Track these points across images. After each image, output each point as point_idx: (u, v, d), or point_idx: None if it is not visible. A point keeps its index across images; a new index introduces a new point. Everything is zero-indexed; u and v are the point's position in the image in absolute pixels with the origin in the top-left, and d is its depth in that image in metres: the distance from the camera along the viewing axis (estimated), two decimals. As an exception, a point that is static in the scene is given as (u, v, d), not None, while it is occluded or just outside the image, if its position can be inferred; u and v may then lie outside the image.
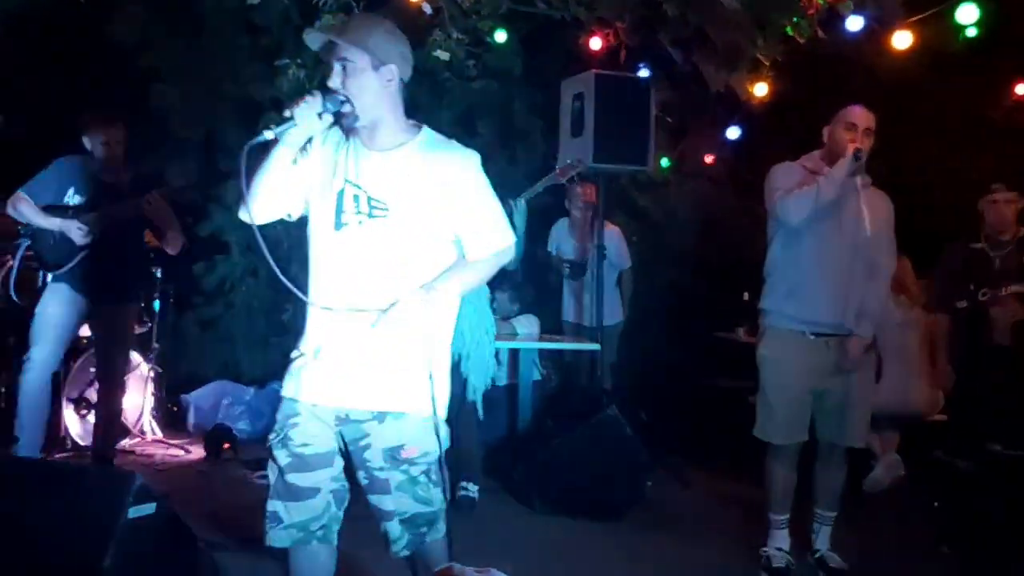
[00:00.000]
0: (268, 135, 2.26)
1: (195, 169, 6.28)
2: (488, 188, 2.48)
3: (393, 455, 2.39)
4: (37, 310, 4.46)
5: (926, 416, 5.11)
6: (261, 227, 2.36)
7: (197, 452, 5.49)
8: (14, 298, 4.75)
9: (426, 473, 2.43)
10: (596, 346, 5.41)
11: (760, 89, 5.38)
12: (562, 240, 6.21)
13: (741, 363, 4.74)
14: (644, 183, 7.07)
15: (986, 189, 4.81)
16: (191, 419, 6.03)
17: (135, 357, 5.40)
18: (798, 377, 3.70)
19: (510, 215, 4.50)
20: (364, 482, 2.46)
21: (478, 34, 6.36)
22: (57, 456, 4.94)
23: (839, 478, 3.85)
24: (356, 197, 2.36)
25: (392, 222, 2.34)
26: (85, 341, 5.10)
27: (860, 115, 3.65)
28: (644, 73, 5.76)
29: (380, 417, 2.39)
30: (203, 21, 6.07)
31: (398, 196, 2.35)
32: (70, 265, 4.34)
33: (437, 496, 2.46)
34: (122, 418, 4.92)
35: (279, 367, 2.60)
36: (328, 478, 2.44)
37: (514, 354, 5.72)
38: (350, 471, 2.51)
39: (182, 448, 5.54)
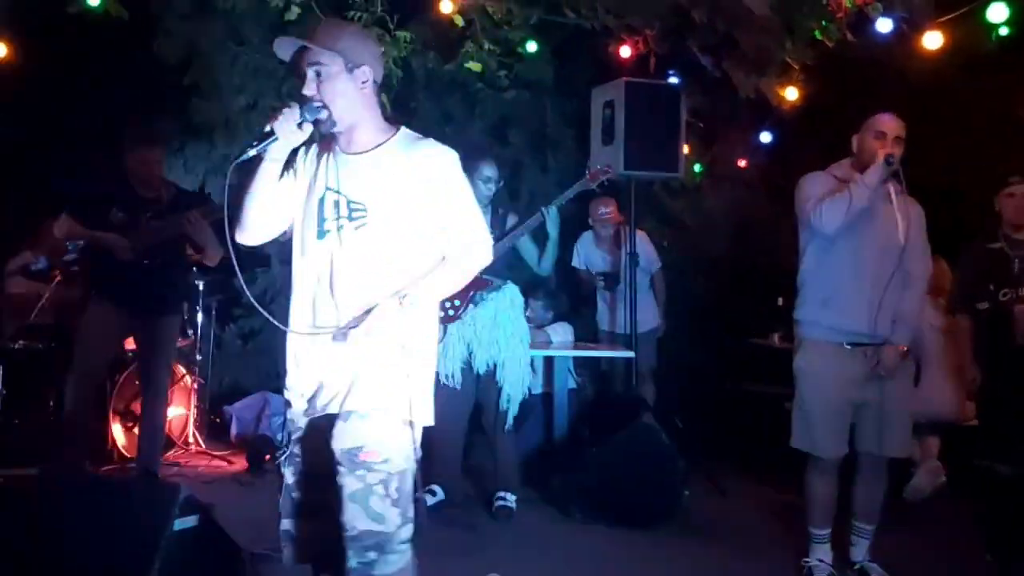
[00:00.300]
0: (251, 152, 2.25)
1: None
2: (468, 187, 2.44)
3: (351, 457, 2.24)
4: (81, 325, 4.57)
5: (966, 421, 5.04)
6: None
7: (240, 463, 5.57)
8: (61, 314, 4.86)
9: (384, 484, 2.24)
10: (631, 353, 5.42)
11: (790, 93, 5.37)
12: (590, 253, 6.22)
13: (776, 369, 4.73)
14: (676, 189, 7.07)
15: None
16: (233, 430, 6.12)
17: (178, 369, 5.51)
18: (836, 389, 3.65)
19: (542, 224, 4.55)
20: (336, 487, 2.29)
21: (509, 45, 6.41)
22: (103, 469, 5.05)
23: (879, 491, 3.79)
24: (336, 203, 2.33)
25: (372, 223, 2.30)
26: (130, 355, 5.21)
27: (889, 123, 3.62)
28: (674, 80, 5.77)
29: (345, 416, 2.28)
30: (243, 37, 6.17)
31: (376, 196, 2.31)
32: (115, 280, 4.44)
33: (392, 516, 2.25)
34: (166, 430, 5.02)
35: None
36: (333, 493, 2.31)
37: (548, 362, 5.74)
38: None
39: (225, 459, 5.63)
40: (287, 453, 2.41)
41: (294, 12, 5.03)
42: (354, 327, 2.25)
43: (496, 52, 6.41)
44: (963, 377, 4.86)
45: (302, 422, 2.40)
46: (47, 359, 5.41)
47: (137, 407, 5.11)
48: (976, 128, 6.37)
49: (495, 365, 4.62)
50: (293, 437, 2.41)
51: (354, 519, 2.22)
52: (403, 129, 2.41)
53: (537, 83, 6.83)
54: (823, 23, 4.65)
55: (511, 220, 4.68)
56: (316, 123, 2.30)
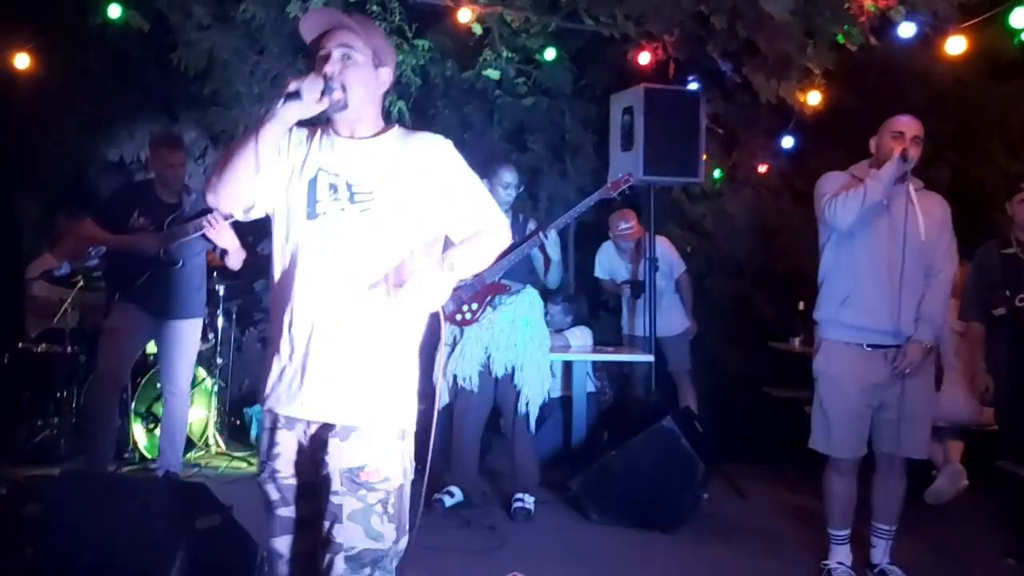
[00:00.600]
0: (278, 106, 2.12)
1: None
2: (471, 171, 2.39)
3: (351, 477, 2.16)
4: (104, 328, 4.62)
5: (989, 424, 5.01)
6: None
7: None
8: (84, 317, 4.91)
9: (383, 503, 2.18)
10: (650, 357, 5.42)
11: (812, 98, 5.35)
12: (612, 263, 6.22)
13: (797, 373, 4.71)
14: (697, 194, 7.07)
15: None
16: (253, 432, 6.16)
17: (199, 372, 5.55)
18: (855, 391, 3.65)
19: (541, 247, 4.56)
20: (323, 507, 2.20)
21: (528, 52, 6.44)
22: (125, 469, 5.09)
23: (899, 492, 3.77)
24: (333, 185, 2.23)
25: (377, 207, 2.22)
26: (151, 357, 5.26)
27: (907, 123, 3.62)
28: (694, 86, 5.78)
29: (343, 433, 2.18)
30: (262, 46, 6.23)
31: (381, 181, 2.24)
32: (137, 284, 4.49)
33: (389, 533, 2.19)
34: (187, 432, 5.05)
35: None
36: (319, 508, 2.21)
37: (567, 366, 5.75)
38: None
39: (245, 460, 5.66)
40: (269, 471, 2.26)
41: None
42: (384, 284, 2.16)
43: (514, 59, 6.45)
44: (976, 384, 4.84)
45: (283, 436, 2.25)
46: (69, 362, 5.48)
47: (158, 409, 5.16)
48: (999, 132, 6.34)
49: (513, 368, 4.63)
50: (272, 452, 2.25)
51: (353, 538, 2.15)
52: (396, 125, 2.37)
53: (556, 90, 6.84)
54: (845, 27, 4.63)
55: (531, 226, 4.70)
56: (330, 102, 2.19)
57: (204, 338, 5.36)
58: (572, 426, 5.61)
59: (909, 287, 3.56)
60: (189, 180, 5.22)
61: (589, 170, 6.99)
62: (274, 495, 2.27)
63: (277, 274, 2.27)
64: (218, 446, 5.85)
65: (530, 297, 4.71)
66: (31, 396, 5.48)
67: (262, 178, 2.19)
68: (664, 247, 6.09)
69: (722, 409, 6.14)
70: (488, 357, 4.63)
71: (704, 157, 5.67)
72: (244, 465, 5.60)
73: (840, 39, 4.74)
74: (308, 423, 2.23)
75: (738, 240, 6.99)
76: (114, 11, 5.51)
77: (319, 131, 2.31)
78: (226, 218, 4.42)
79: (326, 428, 2.19)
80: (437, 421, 5.68)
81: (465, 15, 5.37)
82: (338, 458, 2.17)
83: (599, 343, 6.07)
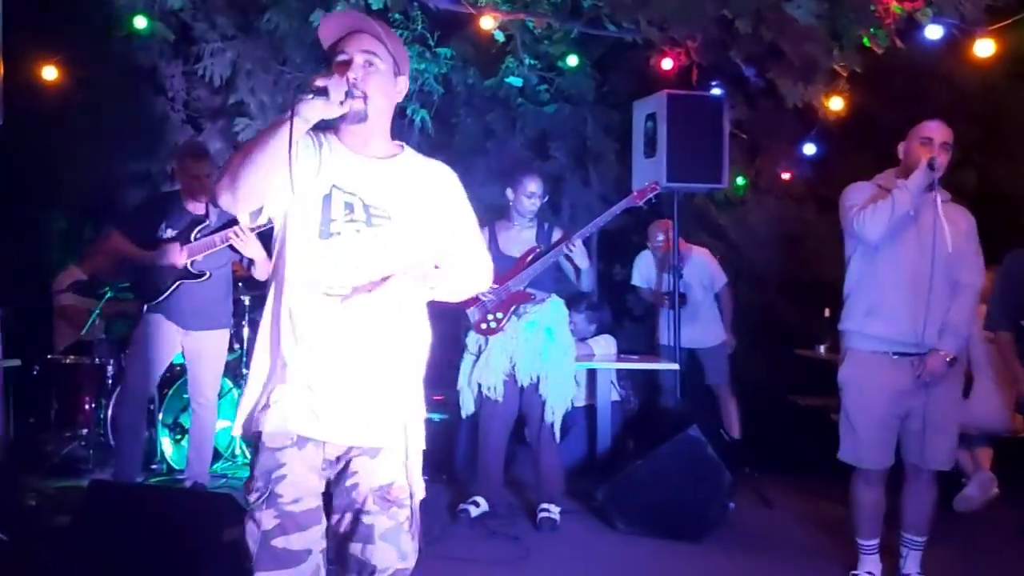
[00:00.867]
0: (308, 97, 2.01)
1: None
2: (467, 201, 2.38)
3: (384, 495, 2.14)
4: (132, 340, 4.65)
5: (1019, 432, 4.95)
6: None
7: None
8: (111, 330, 4.96)
9: (409, 520, 2.17)
10: (675, 366, 5.38)
11: (835, 103, 5.32)
12: (650, 272, 6.15)
13: (822, 381, 4.67)
14: (721, 201, 7.04)
15: None
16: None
17: (226, 383, 5.57)
18: (882, 400, 3.61)
19: (567, 257, 4.54)
20: (345, 528, 2.18)
21: (550, 59, 6.45)
22: (153, 480, 5.12)
23: (928, 501, 3.73)
24: (349, 204, 2.15)
25: (394, 230, 2.18)
26: (179, 368, 5.29)
27: (936, 129, 3.58)
28: (717, 91, 5.75)
29: (372, 452, 2.16)
30: (286, 56, 6.26)
31: (399, 206, 2.19)
32: (164, 296, 4.52)
33: (413, 551, 2.18)
34: (214, 443, 5.08)
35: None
36: (320, 535, 2.16)
37: (591, 375, 5.73)
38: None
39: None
40: (267, 494, 2.11)
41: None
42: (365, 291, 2.12)
43: (537, 66, 6.45)
44: (1013, 391, 4.76)
45: (291, 457, 2.12)
46: (98, 374, 5.52)
47: (186, 420, 5.19)
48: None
49: (539, 378, 4.62)
50: (274, 476, 2.11)
51: (387, 559, 2.13)
52: (407, 146, 2.33)
53: (578, 97, 6.84)
54: (871, 30, 4.59)
55: (556, 234, 4.69)
56: (350, 110, 2.11)
57: (231, 349, 5.39)
58: (597, 435, 5.58)
59: (936, 298, 3.53)
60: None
61: (612, 177, 6.97)
62: (269, 523, 2.11)
63: (283, 291, 2.17)
64: (245, 457, 5.86)
65: (555, 306, 4.70)
66: (60, 408, 5.54)
67: (281, 178, 2.06)
68: (704, 259, 6.04)
69: (747, 417, 6.11)
70: (513, 366, 4.62)
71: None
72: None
73: (866, 42, 4.71)
74: (324, 444, 2.15)
75: (762, 247, 6.95)
76: (140, 22, 5.59)
77: (324, 141, 2.21)
78: (252, 229, 4.45)
79: (348, 448, 2.16)
80: (462, 431, 5.72)
81: (487, 22, 5.38)
82: (369, 477, 2.14)
83: (623, 351, 6.04)
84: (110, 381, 5.49)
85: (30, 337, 6.15)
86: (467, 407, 4.76)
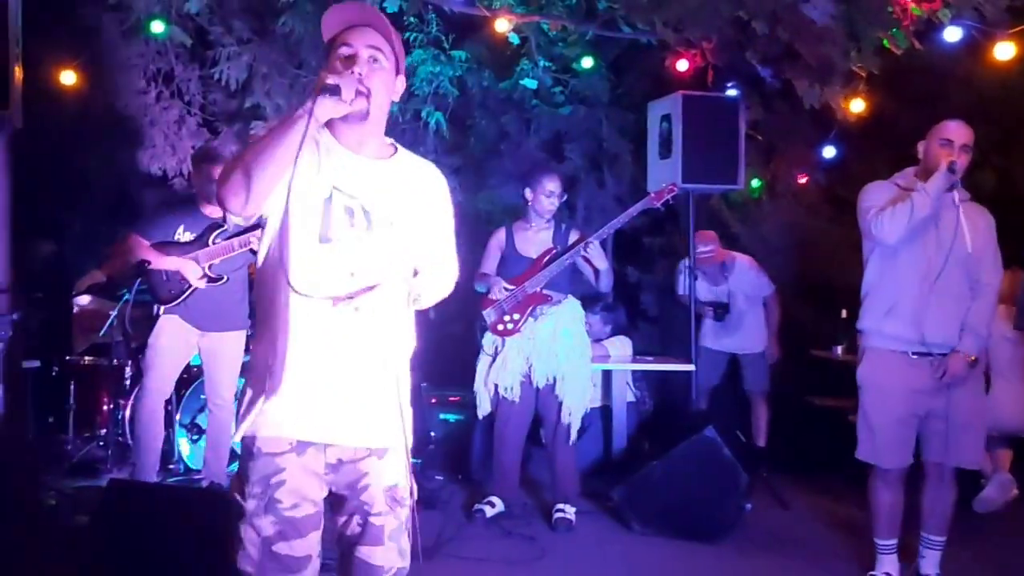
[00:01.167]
0: (325, 96, 1.98)
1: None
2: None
3: (392, 495, 2.15)
4: (150, 341, 4.67)
5: (1039, 433, 4.92)
6: None
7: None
8: (129, 331, 5.00)
9: (408, 519, 2.19)
10: (691, 367, 5.36)
11: (855, 105, 5.29)
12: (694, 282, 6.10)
13: (840, 381, 4.66)
14: (736, 202, 7.02)
15: None
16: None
17: (242, 383, 5.59)
18: (901, 400, 3.60)
19: (585, 259, 4.52)
20: (353, 531, 2.17)
21: (565, 61, 6.45)
22: (170, 480, 5.14)
23: (948, 501, 3.71)
24: (349, 209, 2.10)
25: (394, 235, 2.14)
26: (196, 369, 5.31)
27: (956, 130, 3.56)
28: (732, 92, 5.74)
29: (380, 453, 2.14)
30: (301, 60, 6.29)
31: (400, 210, 2.16)
32: (182, 299, 4.54)
33: (408, 550, 2.19)
34: (231, 443, 5.10)
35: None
36: (317, 541, 2.13)
37: (607, 376, 5.73)
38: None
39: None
40: (265, 502, 2.07)
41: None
42: (353, 296, 2.07)
43: (552, 68, 6.46)
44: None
45: (290, 462, 2.08)
46: (116, 375, 5.56)
47: (203, 420, 5.21)
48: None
49: (555, 379, 4.62)
50: (273, 481, 2.07)
51: (391, 559, 2.14)
52: (397, 145, 2.28)
53: (593, 98, 6.84)
54: (889, 31, 4.57)
55: (573, 235, 4.69)
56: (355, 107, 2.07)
57: (247, 350, 5.41)
58: (612, 436, 5.58)
59: (954, 299, 3.53)
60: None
61: (627, 179, 6.97)
62: (269, 530, 2.06)
63: (279, 295, 2.09)
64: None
65: (571, 307, 4.70)
66: (78, 408, 5.58)
67: (286, 178, 2.00)
68: (748, 266, 5.96)
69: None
70: (529, 367, 4.62)
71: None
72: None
73: (884, 43, 4.68)
74: (325, 448, 2.11)
75: (777, 249, 6.91)
76: (157, 27, 5.62)
77: (319, 139, 2.13)
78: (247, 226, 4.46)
79: (354, 451, 2.13)
80: (478, 431, 5.73)
81: (502, 25, 5.38)
82: (379, 478, 2.14)
83: (638, 352, 6.03)
84: (128, 382, 5.53)
85: (49, 339, 6.21)
86: (483, 408, 4.77)
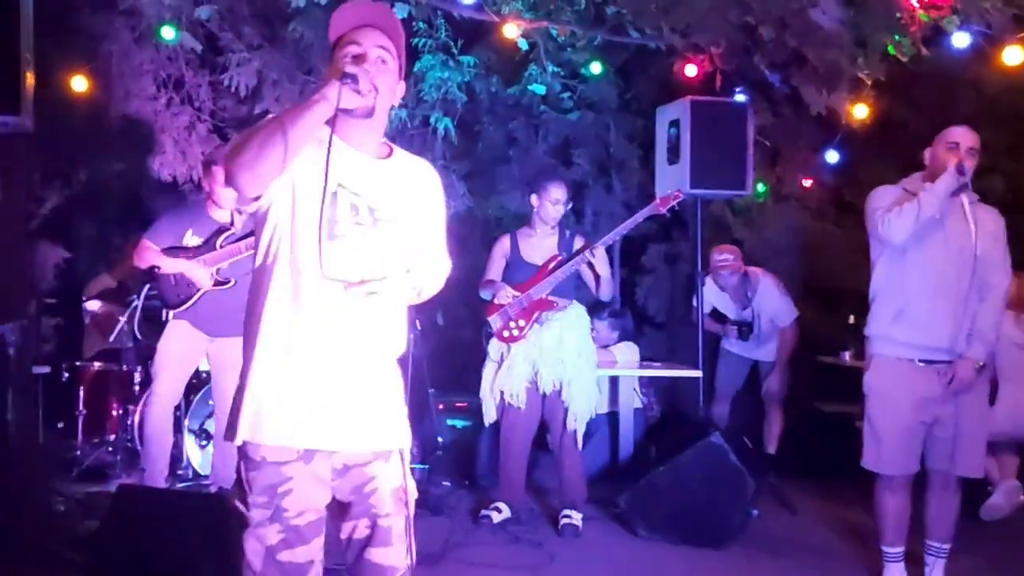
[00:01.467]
0: (347, 82, 2.01)
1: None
2: None
3: (399, 496, 2.16)
4: (159, 346, 4.69)
5: (1047, 440, 4.90)
6: None
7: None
8: (139, 337, 5.03)
9: (411, 520, 2.19)
10: (698, 373, 5.35)
11: (859, 111, 5.29)
12: (716, 300, 6.02)
13: (847, 387, 4.64)
14: (741, 207, 7.02)
15: None
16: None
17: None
18: (907, 407, 3.59)
19: (589, 265, 4.52)
20: (361, 535, 2.15)
21: (573, 66, 6.46)
22: (179, 486, 5.16)
23: (952, 508, 3.70)
24: (354, 206, 2.10)
25: (396, 232, 2.15)
26: (205, 375, 5.33)
27: (962, 134, 3.56)
28: (741, 97, 5.74)
29: (386, 456, 2.15)
30: (311, 65, 6.32)
31: (402, 207, 2.17)
32: (190, 303, 4.56)
33: (413, 549, 2.19)
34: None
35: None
36: (320, 546, 2.13)
37: (614, 382, 5.73)
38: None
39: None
40: (271, 511, 2.05)
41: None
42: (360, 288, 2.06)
43: (560, 74, 6.47)
44: None
45: (296, 471, 2.06)
46: (125, 380, 5.59)
47: (211, 426, 5.23)
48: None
49: (561, 384, 4.63)
50: (279, 490, 2.05)
51: (400, 560, 2.14)
52: (394, 145, 2.30)
53: (601, 104, 6.85)
54: (896, 37, 4.56)
55: (578, 242, 4.69)
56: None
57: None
58: (619, 442, 5.58)
59: (963, 302, 3.51)
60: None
61: (635, 184, 6.97)
62: (274, 539, 2.05)
63: (280, 294, 2.07)
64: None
65: (577, 313, 4.71)
66: (88, 413, 5.61)
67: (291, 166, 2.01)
68: (771, 287, 5.87)
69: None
70: (535, 373, 4.63)
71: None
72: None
73: (891, 49, 4.68)
74: (332, 454, 2.10)
75: (783, 254, 6.91)
76: (168, 33, 5.64)
77: (322, 136, 2.07)
78: (240, 213, 4.46)
79: (360, 455, 2.12)
80: (484, 437, 5.73)
81: (511, 30, 5.39)
82: (387, 480, 2.14)
83: (645, 358, 6.03)
84: (137, 387, 5.56)
85: (60, 344, 6.25)
86: (489, 415, 4.78)
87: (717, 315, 6.04)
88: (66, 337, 6.46)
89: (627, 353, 5.86)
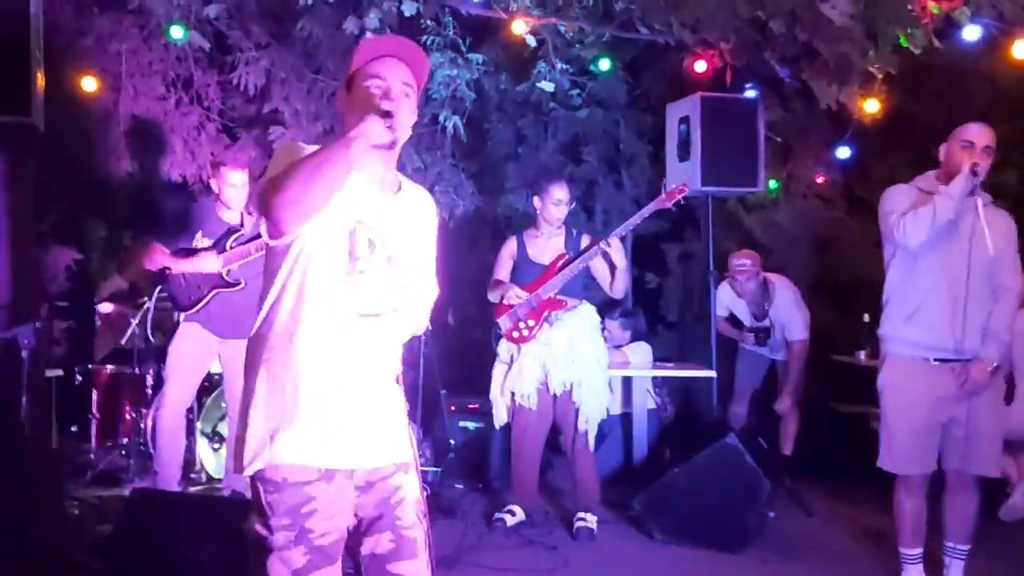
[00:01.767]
0: (387, 121, 2.03)
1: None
2: None
3: (420, 508, 2.19)
4: (170, 349, 4.69)
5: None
6: None
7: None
8: (151, 339, 5.03)
9: (428, 532, 2.21)
10: (712, 373, 5.32)
11: (871, 105, 5.24)
12: (732, 305, 5.96)
13: (862, 387, 4.60)
14: (753, 204, 6.97)
15: None
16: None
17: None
18: (922, 407, 3.56)
19: (605, 255, 4.49)
20: (385, 549, 2.15)
21: (582, 63, 6.42)
22: (192, 489, 5.16)
23: (970, 509, 3.68)
24: (372, 241, 2.13)
25: (406, 266, 2.18)
26: (217, 377, 5.33)
27: (978, 132, 3.52)
28: (751, 93, 5.70)
29: (406, 468, 2.18)
30: (319, 64, 6.30)
31: (410, 242, 2.21)
32: (201, 305, 4.55)
33: (431, 560, 2.21)
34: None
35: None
36: (339, 565, 2.14)
37: (627, 382, 5.70)
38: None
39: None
40: (295, 533, 2.04)
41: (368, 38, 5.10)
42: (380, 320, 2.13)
43: (569, 71, 6.43)
44: None
45: (320, 491, 2.06)
46: (138, 383, 5.59)
47: (223, 428, 5.23)
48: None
49: (572, 385, 4.60)
50: (303, 511, 2.04)
51: (424, 570, 2.16)
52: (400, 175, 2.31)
53: (610, 100, 6.82)
54: (908, 30, 4.52)
55: (585, 240, 4.66)
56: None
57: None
58: (633, 443, 5.55)
59: (976, 303, 3.49)
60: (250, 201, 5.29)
61: (645, 181, 6.94)
62: (300, 561, 2.04)
63: (299, 324, 2.08)
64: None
65: (587, 313, 4.68)
66: (101, 417, 5.61)
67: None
68: (788, 297, 5.77)
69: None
70: (546, 374, 4.60)
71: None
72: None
73: (903, 42, 4.63)
74: (353, 472, 2.12)
75: (795, 251, 6.87)
76: (176, 32, 5.63)
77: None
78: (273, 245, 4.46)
79: (378, 470, 2.15)
80: (496, 439, 5.71)
81: (519, 27, 5.36)
82: (410, 491, 2.17)
83: (658, 359, 5.99)
84: (149, 390, 5.56)
85: (71, 346, 6.25)
86: (500, 417, 4.76)
87: (734, 320, 6.00)
88: (77, 340, 6.46)
89: (640, 353, 5.82)
